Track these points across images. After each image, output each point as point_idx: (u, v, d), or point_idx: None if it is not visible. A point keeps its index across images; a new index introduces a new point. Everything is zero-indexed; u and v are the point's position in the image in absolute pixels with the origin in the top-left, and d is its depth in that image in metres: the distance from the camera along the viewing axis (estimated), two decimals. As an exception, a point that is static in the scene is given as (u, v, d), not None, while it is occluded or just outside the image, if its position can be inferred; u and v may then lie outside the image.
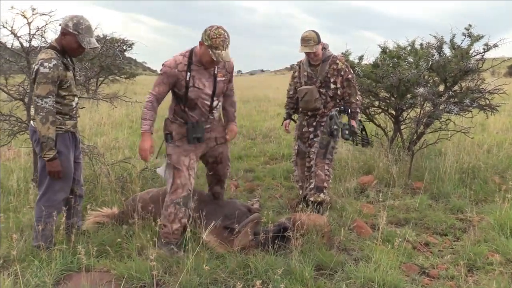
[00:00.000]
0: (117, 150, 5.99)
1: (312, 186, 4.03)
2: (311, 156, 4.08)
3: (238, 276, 2.78)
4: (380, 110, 5.84)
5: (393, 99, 5.45)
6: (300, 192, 4.34)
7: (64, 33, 2.99)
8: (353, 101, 4.03)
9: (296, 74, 4.25)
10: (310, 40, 3.89)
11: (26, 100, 4.44)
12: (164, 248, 3.10)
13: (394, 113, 5.64)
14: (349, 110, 4.01)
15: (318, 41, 3.91)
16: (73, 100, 3.14)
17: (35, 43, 4.36)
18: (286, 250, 3.13)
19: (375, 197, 4.56)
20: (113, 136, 7.69)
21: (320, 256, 3.04)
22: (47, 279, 2.67)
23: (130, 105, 12.57)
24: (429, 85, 5.21)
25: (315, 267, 2.99)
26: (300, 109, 4.24)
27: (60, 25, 3.04)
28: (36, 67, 2.89)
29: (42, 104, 2.86)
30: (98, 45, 3.04)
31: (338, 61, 4.00)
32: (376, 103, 5.74)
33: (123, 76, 18.57)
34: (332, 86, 4.01)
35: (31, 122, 3.10)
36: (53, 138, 2.93)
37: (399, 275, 2.82)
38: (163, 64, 3.11)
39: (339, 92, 4.03)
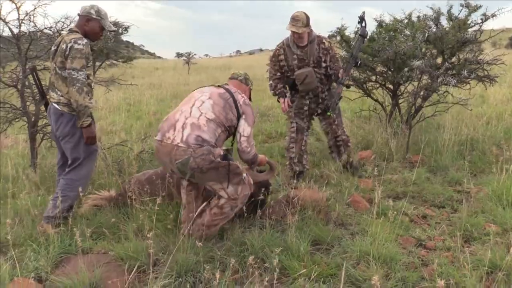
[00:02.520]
0: (114, 134, 5.96)
1: (343, 150, 4.42)
2: (333, 127, 4.39)
3: (234, 254, 2.80)
4: (377, 85, 5.77)
5: (389, 73, 5.38)
6: (297, 168, 4.34)
7: (88, 19, 3.31)
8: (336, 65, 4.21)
9: (282, 57, 4.20)
10: (299, 21, 3.91)
11: (19, 86, 4.40)
12: None
13: (391, 87, 5.58)
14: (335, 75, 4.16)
15: (307, 24, 3.94)
16: (92, 82, 3.33)
17: (24, 28, 4.30)
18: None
19: (373, 171, 4.54)
20: (111, 120, 7.68)
21: (317, 231, 3.05)
22: (45, 262, 2.68)
23: (127, 88, 12.63)
24: (426, 57, 5.13)
25: (312, 242, 3.01)
26: (300, 91, 4.25)
27: (79, 14, 3.34)
28: (70, 45, 3.10)
29: (77, 76, 3.09)
30: (115, 28, 3.32)
31: (324, 41, 4.14)
32: (373, 78, 5.67)
33: (120, 60, 18.40)
34: (324, 65, 4.17)
35: (55, 105, 3.23)
36: (89, 107, 3.15)
37: (396, 248, 2.83)
38: None
39: (328, 69, 4.20)
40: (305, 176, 4.33)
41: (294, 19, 3.90)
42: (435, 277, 2.49)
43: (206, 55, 74.95)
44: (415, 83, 5.30)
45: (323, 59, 4.14)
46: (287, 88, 4.36)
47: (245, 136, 2.91)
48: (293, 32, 3.97)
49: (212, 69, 24.92)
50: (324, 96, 4.33)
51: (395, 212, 3.22)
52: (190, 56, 26.45)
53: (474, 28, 4.94)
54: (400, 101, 5.68)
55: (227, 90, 2.99)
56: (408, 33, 5.31)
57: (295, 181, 4.26)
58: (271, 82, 4.33)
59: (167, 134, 2.83)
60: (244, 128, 2.91)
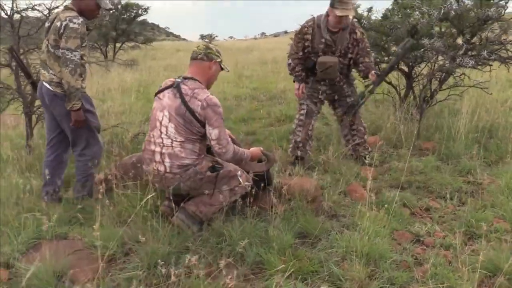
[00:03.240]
0: (109, 115, 5.80)
1: (357, 141, 4.15)
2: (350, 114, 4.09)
3: (211, 245, 2.60)
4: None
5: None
6: (299, 153, 4.10)
7: None
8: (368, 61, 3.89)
9: (309, 37, 3.84)
10: (348, 3, 3.57)
11: (13, 66, 4.30)
12: None
13: (406, 69, 5.20)
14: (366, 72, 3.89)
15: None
16: (87, 62, 3.24)
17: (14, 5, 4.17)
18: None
19: (378, 159, 4.25)
20: (120, 101, 7.56)
21: (304, 223, 2.82)
22: (10, 248, 2.57)
23: (142, 70, 12.55)
24: (444, 37, 4.73)
25: (298, 235, 2.79)
26: (317, 76, 3.98)
27: None
28: (64, 23, 2.98)
29: (71, 56, 2.97)
30: (112, 7, 3.26)
31: (357, 30, 3.82)
32: (386, 58, 5.30)
33: (139, 42, 18.37)
34: (350, 56, 3.90)
35: (46, 85, 3.13)
36: (81, 90, 3.06)
37: (387, 244, 2.57)
38: None
39: (352, 61, 3.95)
40: (304, 162, 4.08)
41: (343, 1, 3.54)
42: (427, 278, 2.23)
43: (231, 37, 74.44)
44: (431, 65, 4.91)
45: (350, 50, 3.87)
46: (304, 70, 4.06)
47: (214, 139, 2.68)
48: (339, 17, 3.60)
49: (235, 50, 24.54)
50: (342, 85, 4.06)
51: (394, 204, 2.98)
52: (212, 37, 26.20)
53: (499, 3, 4.50)
54: (415, 84, 5.30)
55: (182, 99, 2.69)
56: (425, 10, 4.90)
57: (292, 167, 4.02)
58: (290, 61, 4.00)
59: (151, 165, 2.79)
60: (210, 132, 2.68)
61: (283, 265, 2.32)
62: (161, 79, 10.50)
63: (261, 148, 3.09)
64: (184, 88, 2.72)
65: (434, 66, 4.79)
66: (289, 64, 4.00)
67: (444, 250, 2.59)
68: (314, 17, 3.81)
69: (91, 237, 2.71)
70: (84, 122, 3.16)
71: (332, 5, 3.60)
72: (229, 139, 2.78)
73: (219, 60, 2.87)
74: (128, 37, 17.37)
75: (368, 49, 3.91)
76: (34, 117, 4.54)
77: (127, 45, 17.96)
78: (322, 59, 3.82)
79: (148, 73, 12.01)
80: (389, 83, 5.43)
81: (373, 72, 3.82)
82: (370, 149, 4.17)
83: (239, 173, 2.86)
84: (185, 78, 2.79)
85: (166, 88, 2.80)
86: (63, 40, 2.98)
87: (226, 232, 2.63)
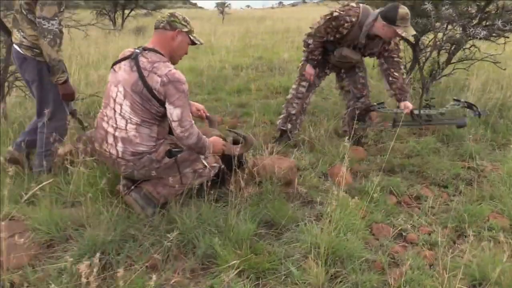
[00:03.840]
0: (93, 84, 5.48)
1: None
2: (358, 86, 3.69)
3: (160, 233, 2.30)
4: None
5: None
6: (288, 126, 3.73)
7: None
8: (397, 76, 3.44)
9: (344, 31, 3.32)
10: (408, 19, 3.15)
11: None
12: None
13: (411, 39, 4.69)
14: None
15: None
16: (63, 27, 2.92)
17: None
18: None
19: (373, 138, 3.87)
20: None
21: (271, 210, 2.49)
22: None
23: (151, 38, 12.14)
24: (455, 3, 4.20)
25: (266, 224, 2.47)
26: (330, 59, 3.59)
27: None
28: None
29: (48, 26, 2.71)
30: None
31: (392, 40, 3.41)
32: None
33: (149, 9, 17.85)
34: (371, 55, 3.60)
35: (16, 47, 2.88)
36: (63, 61, 2.82)
37: (361, 240, 2.23)
38: None
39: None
40: (291, 137, 3.72)
41: (405, 19, 3.11)
42: (400, 285, 1.90)
43: (248, 6, 72.73)
44: (440, 36, 4.41)
45: (376, 54, 3.52)
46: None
47: (175, 120, 2.31)
48: (399, 36, 3.24)
49: (249, 19, 23.84)
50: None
51: (378, 190, 2.62)
52: (225, 5, 25.43)
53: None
54: (421, 56, 4.79)
55: (140, 74, 2.32)
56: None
57: (276, 143, 3.67)
58: (311, 41, 3.49)
59: (103, 145, 2.46)
60: (171, 112, 2.30)
61: (235, 261, 2.01)
62: None
63: (220, 140, 2.68)
64: (142, 61, 2.34)
65: (443, 36, 4.29)
66: (307, 44, 3.52)
67: (427, 249, 2.24)
68: (359, 14, 3.27)
69: (35, 219, 2.45)
70: (73, 96, 2.95)
71: (392, 23, 3.12)
72: (193, 122, 2.40)
73: (185, 30, 2.45)
74: (137, 3, 16.85)
75: (399, 61, 3.48)
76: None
77: (138, 12, 17.45)
78: (346, 52, 3.43)
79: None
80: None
81: (410, 106, 3.38)
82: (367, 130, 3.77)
83: (205, 155, 2.53)
84: (145, 49, 2.42)
85: (124, 59, 2.44)
86: (38, 8, 2.68)
87: (179, 219, 2.32)
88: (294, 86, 3.76)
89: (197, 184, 2.53)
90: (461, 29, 4.13)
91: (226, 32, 14.02)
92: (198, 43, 2.54)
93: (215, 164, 2.62)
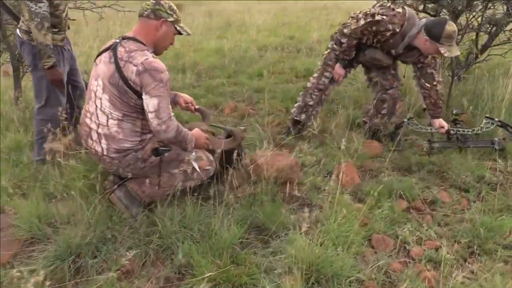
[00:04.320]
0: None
1: (386, 107, 3.37)
2: (388, 77, 3.35)
3: (140, 236, 2.17)
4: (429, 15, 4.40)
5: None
6: (302, 117, 3.47)
7: None
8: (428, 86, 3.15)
9: (383, 38, 3.01)
10: (455, 38, 2.84)
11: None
12: None
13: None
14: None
15: None
16: (64, 12, 2.91)
17: None
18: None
19: (393, 130, 3.53)
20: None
21: (261, 214, 2.29)
22: None
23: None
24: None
25: (256, 229, 2.28)
26: (360, 57, 3.29)
27: None
28: None
29: (36, 9, 2.67)
30: None
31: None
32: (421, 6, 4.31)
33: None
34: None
35: (17, 31, 2.89)
36: (51, 45, 2.76)
37: (354, 255, 1.99)
38: None
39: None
40: (303, 129, 3.47)
41: (451, 37, 2.78)
42: (389, 313, 1.67)
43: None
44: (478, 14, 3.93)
45: (409, 62, 3.25)
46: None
47: (151, 111, 2.12)
48: (440, 55, 2.94)
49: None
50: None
51: (386, 194, 2.36)
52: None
53: None
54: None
55: (116, 65, 2.14)
56: None
57: (285, 134, 3.44)
58: (344, 40, 3.13)
59: (88, 142, 2.33)
60: (147, 102, 2.12)
61: (211, 273, 1.85)
62: (195, 26, 9.95)
63: (204, 135, 2.45)
64: (120, 51, 2.17)
65: (483, 16, 3.83)
66: (341, 44, 3.18)
67: (431, 268, 1.97)
68: (403, 23, 2.93)
69: (22, 213, 2.39)
70: (61, 82, 2.88)
71: (436, 40, 2.79)
72: (172, 114, 2.21)
73: (171, 19, 2.26)
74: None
75: (433, 73, 3.14)
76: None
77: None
78: (379, 56, 3.14)
79: (184, 20, 11.47)
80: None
81: (445, 125, 3.10)
82: (388, 122, 3.46)
83: (193, 154, 2.36)
84: (124, 38, 2.25)
85: (105, 50, 2.29)
86: None
87: (160, 222, 2.17)
88: (315, 75, 3.46)
89: (188, 186, 2.38)
90: (505, 7, 3.66)
91: (261, 10, 13.63)
92: (185, 33, 2.35)
93: (208, 167, 2.44)
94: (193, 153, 2.37)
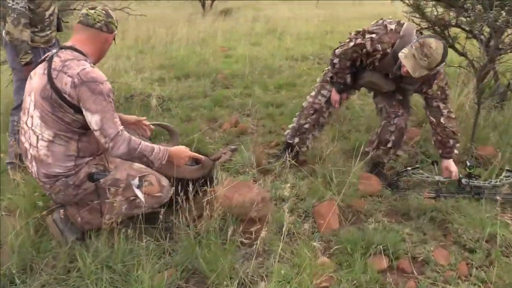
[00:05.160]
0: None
1: (392, 138, 2.81)
2: (393, 103, 2.80)
3: (56, 274, 1.89)
4: (466, 32, 3.79)
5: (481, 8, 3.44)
6: (295, 140, 3.05)
7: None
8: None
9: (374, 59, 2.63)
10: (427, 60, 2.34)
11: None
12: None
13: (484, 35, 3.63)
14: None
15: (435, 67, 2.37)
16: (47, 10, 2.85)
17: None
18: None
19: (404, 163, 3.04)
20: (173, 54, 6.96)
21: (204, 258, 1.93)
22: None
23: (231, 20, 11.88)
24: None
25: (197, 275, 1.94)
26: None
27: None
28: None
29: (13, 4, 2.66)
30: None
31: (434, 83, 2.58)
32: (454, 20, 3.71)
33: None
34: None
35: (3, 33, 2.84)
36: (27, 41, 2.73)
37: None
38: None
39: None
40: (297, 155, 3.06)
41: (424, 52, 2.33)
42: None
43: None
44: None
45: (414, 91, 2.76)
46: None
47: (96, 129, 1.87)
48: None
49: (341, 3, 22.45)
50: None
51: (366, 250, 1.94)
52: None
53: None
54: (499, 59, 3.69)
55: (49, 76, 1.90)
56: None
57: (271, 161, 3.06)
58: (337, 61, 2.75)
59: (26, 161, 2.10)
60: (89, 120, 1.87)
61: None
62: (247, 29, 9.72)
63: (191, 153, 2.20)
64: (55, 61, 1.93)
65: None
66: (333, 64, 2.79)
67: None
68: (394, 42, 2.52)
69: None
70: None
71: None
72: (121, 128, 1.93)
73: (115, 31, 2.12)
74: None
75: (439, 107, 2.63)
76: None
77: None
78: (376, 79, 2.71)
79: (237, 23, 11.32)
80: (462, 54, 3.86)
81: (453, 170, 2.64)
82: (394, 156, 2.97)
83: (135, 180, 2.06)
84: (62, 47, 2.01)
85: (40, 62, 2.06)
86: None
87: (80, 257, 1.88)
88: (312, 94, 3.05)
89: (135, 214, 2.09)
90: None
91: (311, 17, 13.18)
92: (115, 43, 2.23)
93: (159, 194, 2.13)
94: (136, 179, 2.07)
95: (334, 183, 2.58)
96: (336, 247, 2.08)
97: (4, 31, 2.77)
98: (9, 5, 2.67)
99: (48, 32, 2.92)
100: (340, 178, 2.65)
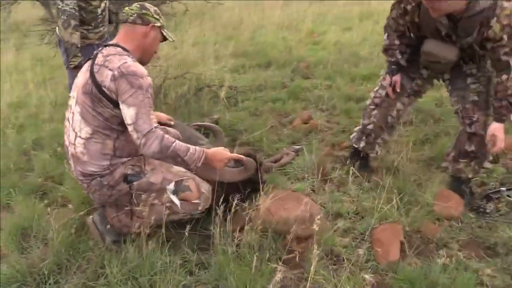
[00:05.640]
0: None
1: (472, 149, 2.31)
2: (467, 106, 2.29)
3: (88, 277, 1.85)
4: None
5: None
6: (361, 145, 2.69)
7: None
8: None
9: (408, 18, 2.25)
10: None
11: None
12: None
13: None
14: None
15: None
16: (99, 7, 2.81)
17: None
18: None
19: (494, 179, 2.52)
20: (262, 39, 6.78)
21: (231, 278, 1.75)
22: None
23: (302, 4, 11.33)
24: None
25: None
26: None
27: None
28: None
29: (62, 6, 2.61)
30: None
31: (493, 23, 1.96)
32: None
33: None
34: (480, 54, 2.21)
35: (56, 29, 2.94)
36: (77, 44, 2.69)
37: None
38: None
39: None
40: (367, 162, 2.72)
41: None
42: None
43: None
44: None
45: (479, 51, 2.15)
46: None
47: (129, 123, 1.79)
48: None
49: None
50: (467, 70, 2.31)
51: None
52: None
53: None
54: None
55: (91, 71, 1.85)
56: None
57: (336, 166, 2.74)
58: (385, 36, 2.43)
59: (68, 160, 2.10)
60: (125, 113, 1.79)
61: None
62: (327, 13, 9.22)
63: (231, 154, 2.03)
64: (98, 57, 1.91)
65: None
66: (384, 42, 2.44)
67: None
68: None
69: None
70: None
71: None
72: (155, 125, 1.83)
73: (158, 24, 1.99)
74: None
75: (509, 61, 2.02)
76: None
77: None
78: (431, 47, 2.23)
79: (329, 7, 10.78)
80: None
81: (499, 130, 2.12)
82: (480, 169, 2.43)
83: (171, 185, 1.95)
84: (106, 45, 1.97)
85: (87, 61, 2.04)
86: None
87: (108, 265, 1.81)
88: (376, 87, 2.66)
89: (172, 220, 2.00)
90: None
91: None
92: (170, 39, 2.05)
93: (197, 201, 2.00)
94: (172, 184, 1.96)
95: (403, 201, 2.20)
96: (390, 282, 1.74)
97: (57, 30, 2.81)
98: (58, 7, 2.63)
99: (101, 28, 2.92)
100: (412, 195, 2.26)
